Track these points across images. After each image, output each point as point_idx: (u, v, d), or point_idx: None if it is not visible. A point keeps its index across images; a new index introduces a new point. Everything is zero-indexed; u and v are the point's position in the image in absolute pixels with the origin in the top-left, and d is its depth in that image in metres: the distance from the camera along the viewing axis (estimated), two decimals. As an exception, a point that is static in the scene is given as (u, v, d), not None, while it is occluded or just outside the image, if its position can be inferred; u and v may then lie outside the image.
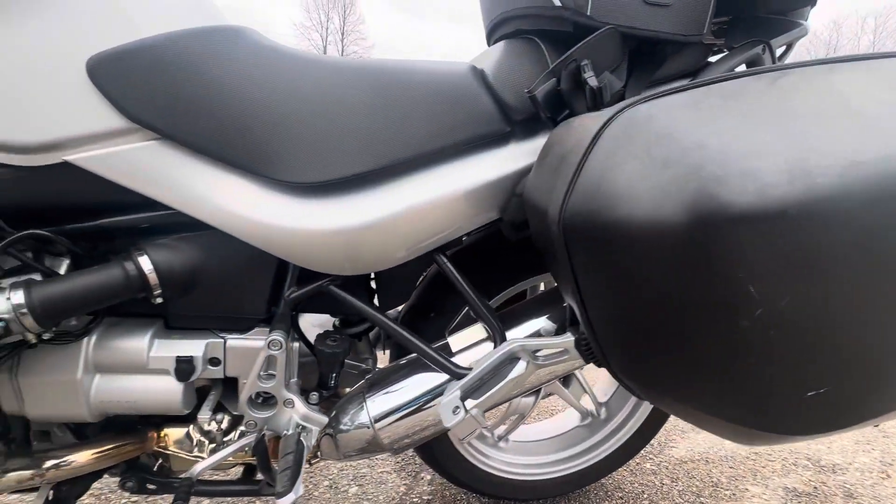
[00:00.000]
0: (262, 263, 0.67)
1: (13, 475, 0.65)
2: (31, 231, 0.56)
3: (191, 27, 0.58)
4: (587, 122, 0.51)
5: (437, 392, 0.72)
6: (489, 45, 0.84)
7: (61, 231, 0.59)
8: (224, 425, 0.74)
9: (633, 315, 0.45)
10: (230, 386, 0.74)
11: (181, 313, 0.69)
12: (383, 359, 0.90)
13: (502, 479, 1.02)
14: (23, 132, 0.52)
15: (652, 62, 0.68)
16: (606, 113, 0.48)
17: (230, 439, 0.75)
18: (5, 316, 0.53)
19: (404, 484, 1.14)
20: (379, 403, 0.73)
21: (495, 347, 0.70)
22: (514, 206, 0.66)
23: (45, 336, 0.58)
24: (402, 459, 1.24)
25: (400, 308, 0.92)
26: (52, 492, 0.71)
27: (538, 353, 0.65)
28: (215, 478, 1.06)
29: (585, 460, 1.07)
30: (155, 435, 0.75)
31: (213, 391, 0.74)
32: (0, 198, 0.55)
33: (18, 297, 0.54)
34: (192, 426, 0.75)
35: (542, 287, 0.99)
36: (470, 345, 0.74)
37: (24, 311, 0.54)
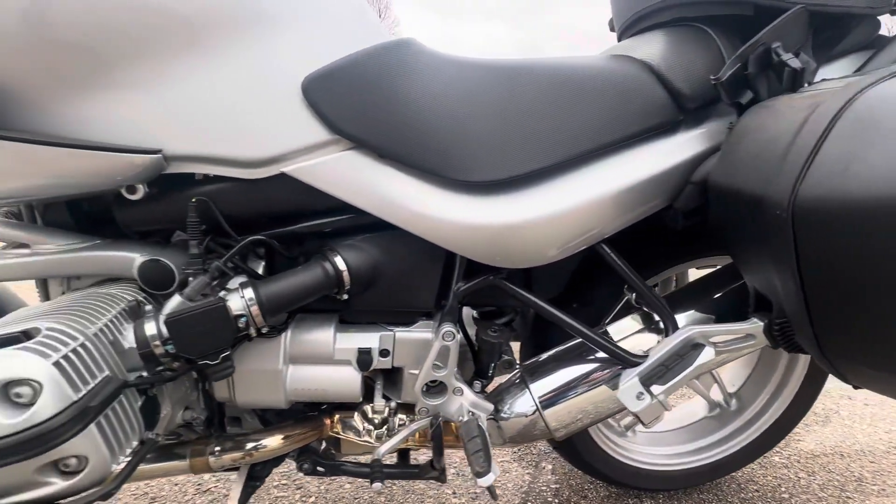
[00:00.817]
0: (433, 260, 0.71)
1: (227, 456, 0.72)
2: (257, 237, 0.62)
3: (376, 43, 0.62)
4: (797, 104, 0.50)
5: (603, 379, 0.73)
6: (624, 36, 0.84)
7: (272, 236, 0.65)
8: (392, 412, 0.79)
9: (872, 296, 0.44)
10: (389, 376, 0.79)
11: (357, 309, 0.74)
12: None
13: (636, 469, 1.02)
14: (248, 149, 0.57)
15: (831, 39, 0.66)
16: (829, 94, 0.47)
17: (394, 425, 0.80)
18: (243, 312, 0.59)
19: (528, 473, 1.17)
20: (544, 390, 0.75)
21: (667, 335, 0.70)
22: (688, 194, 0.66)
23: (263, 330, 0.64)
24: (520, 450, 1.26)
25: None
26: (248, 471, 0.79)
27: (716, 340, 0.65)
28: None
29: (718, 452, 1.05)
30: (329, 421, 0.81)
31: (378, 381, 0.79)
32: (229, 208, 0.61)
33: (250, 295, 0.60)
34: (359, 413, 0.81)
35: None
36: (630, 334, 0.75)
37: (255, 307, 0.60)
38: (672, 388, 0.65)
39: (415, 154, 0.62)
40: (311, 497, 1.07)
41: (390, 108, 0.60)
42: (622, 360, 0.70)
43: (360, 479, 1.11)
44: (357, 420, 0.81)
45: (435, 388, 0.76)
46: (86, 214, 0.66)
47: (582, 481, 1.13)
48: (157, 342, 0.56)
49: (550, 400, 0.74)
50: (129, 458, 0.51)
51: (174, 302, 0.58)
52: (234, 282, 0.62)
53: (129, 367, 0.55)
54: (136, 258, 0.60)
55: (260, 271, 0.69)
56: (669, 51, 0.68)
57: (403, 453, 0.89)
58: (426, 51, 0.66)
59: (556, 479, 1.14)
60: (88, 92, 0.51)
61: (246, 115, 0.57)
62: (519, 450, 1.26)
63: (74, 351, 0.46)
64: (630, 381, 0.65)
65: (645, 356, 0.68)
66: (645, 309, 0.75)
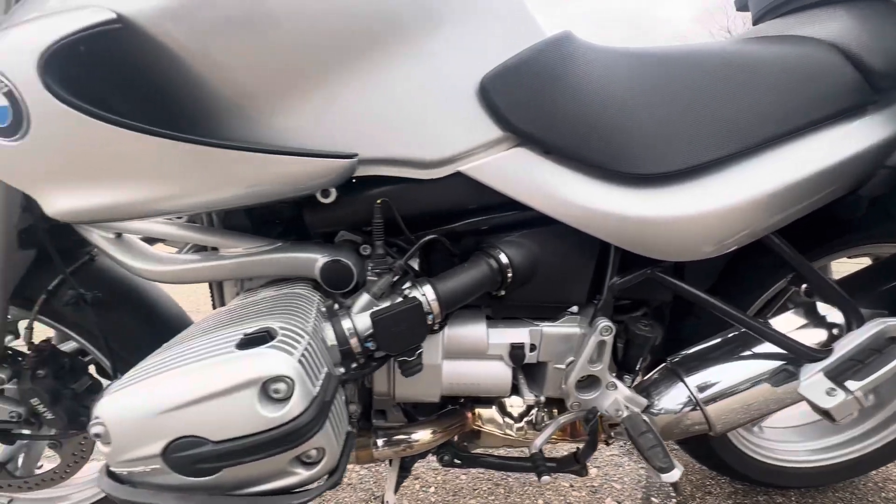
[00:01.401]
0: (588, 255, 0.70)
1: (388, 449, 0.75)
2: (432, 235, 0.63)
3: (540, 40, 0.61)
4: None
5: (770, 372, 0.70)
6: (768, 17, 0.79)
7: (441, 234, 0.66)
8: (538, 406, 0.79)
9: None
10: (530, 370, 0.79)
11: (508, 304, 0.74)
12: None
13: (768, 465, 0.99)
14: (429, 150, 0.58)
15: None
16: None
17: (540, 419, 0.80)
18: (428, 310, 0.60)
19: (641, 467, 1.15)
20: (702, 384, 0.73)
21: (850, 329, 0.67)
22: (881, 179, 0.63)
23: (435, 327, 0.65)
24: (627, 443, 1.24)
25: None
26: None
27: (910, 334, 0.61)
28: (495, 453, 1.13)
29: (856, 449, 1.00)
30: (471, 415, 0.82)
31: (521, 375, 0.79)
32: (406, 208, 0.62)
33: (431, 293, 0.61)
34: (497, 407, 0.81)
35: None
36: (796, 328, 0.72)
37: (436, 304, 0.61)
38: (871, 384, 0.62)
39: (582, 148, 0.61)
40: (430, 487, 1.10)
41: (561, 102, 0.60)
42: (801, 353, 0.67)
43: (474, 470, 1.13)
44: (496, 414, 0.82)
45: (586, 382, 0.75)
46: (261, 218, 0.69)
47: (702, 476, 1.10)
48: (355, 339, 0.57)
49: (711, 394, 0.72)
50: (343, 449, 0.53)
51: (363, 301, 0.60)
52: (417, 280, 0.63)
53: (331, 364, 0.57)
54: (318, 259, 0.62)
55: (416, 268, 0.70)
56: (856, 28, 0.63)
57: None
58: (586, 44, 0.64)
59: (674, 474, 1.12)
60: (296, 99, 0.53)
61: (428, 116, 0.57)
62: (626, 443, 1.24)
63: (306, 348, 0.48)
64: (814, 376, 0.62)
65: (827, 350, 0.64)
66: (815, 301, 0.72)
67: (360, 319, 0.58)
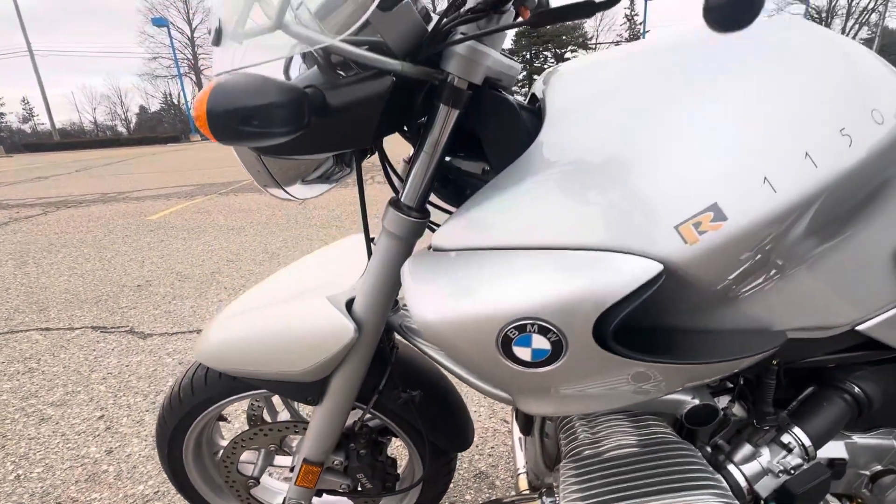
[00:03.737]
0: None
1: None
2: (813, 388, 0.65)
3: None
4: None
5: None
6: None
7: None
8: None
9: None
10: None
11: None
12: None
13: None
14: (833, 318, 0.55)
15: None
16: None
17: None
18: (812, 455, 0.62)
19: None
20: None
21: None
22: None
23: None
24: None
25: None
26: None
27: None
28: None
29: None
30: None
31: None
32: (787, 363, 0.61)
33: (806, 439, 0.62)
34: None
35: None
36: None
37: (812, 449, 0.62)
38: None
39: None
40: None
41: None
42: None
43: None
44: None
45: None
46: None
47: None
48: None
49: None
50: None
51: (745, 451, 0.63)
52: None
53: None
54: (687, 401, 0.62)
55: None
56: None
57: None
58: None
59: None
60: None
61: (846, 287, 0.53)
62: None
63: None
64: None
65: None
66: None
67: (749, 470, 0.61)
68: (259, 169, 0.59)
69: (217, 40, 0.43)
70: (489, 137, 0.55)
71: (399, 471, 0.95)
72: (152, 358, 2.00)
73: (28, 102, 49.84)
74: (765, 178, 0.42)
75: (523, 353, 0.43)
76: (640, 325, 0.51)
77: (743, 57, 0.50)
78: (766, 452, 0.62)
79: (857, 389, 0.63)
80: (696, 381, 0.52)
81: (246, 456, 0.90)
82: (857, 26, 45.11)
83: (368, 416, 0.82)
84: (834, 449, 0.69)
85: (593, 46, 62.56)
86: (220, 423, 0.99)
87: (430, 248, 0.52)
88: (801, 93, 0.47)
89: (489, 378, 0.55)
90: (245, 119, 0.36)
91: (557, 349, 0.43)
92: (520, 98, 0.60)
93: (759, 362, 0.53)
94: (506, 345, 0.43)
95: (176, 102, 46.39)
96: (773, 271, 0.48)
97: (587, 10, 0.39)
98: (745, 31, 0.53)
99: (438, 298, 0.45)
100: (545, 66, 63.86)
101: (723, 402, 0.65)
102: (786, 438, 0.62)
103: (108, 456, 1.43)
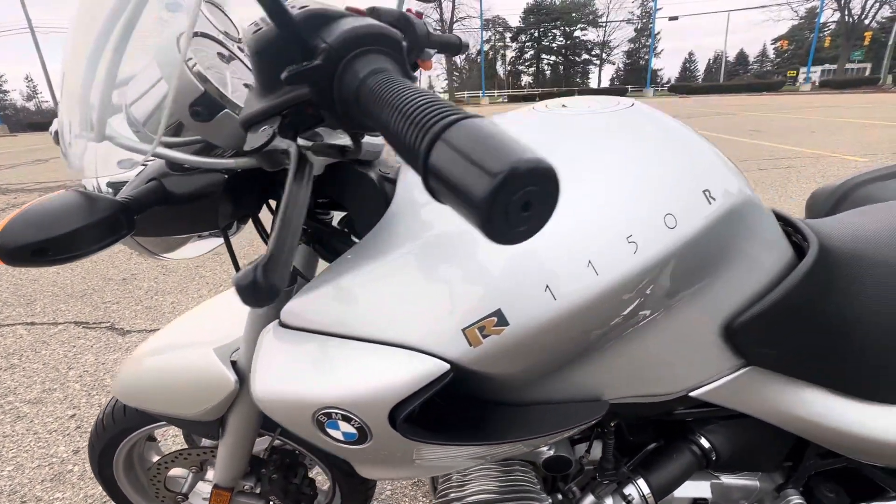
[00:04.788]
0: (787, 443, 0.69)
1: None
2: (656, 444, 0.69)
3: (790, 265, 0.56)
4: None
5: None
6: None
7: None
8: None
9: None
10: None
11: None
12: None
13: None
14: (663, 386, 0.57)
15: None
16: None
17: None
18: None
19: None
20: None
21: None
22: None
23: None
24: None
25: None
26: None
27: None
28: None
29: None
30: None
31: None
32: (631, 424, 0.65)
33: (647, 491, 0.66)
34: None
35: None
36: None
37: (652, 498, 0.67)
38: None
39: (823, 371, 0.58)
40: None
41: (810, 336, 0.56)
42: None
43: None
44: None
45: None
46: None
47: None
48: None
49: None
50: None
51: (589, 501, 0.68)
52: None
53: None
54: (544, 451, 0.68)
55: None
56: None
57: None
58: (842, 258, 0.59)
59: None
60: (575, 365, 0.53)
61: (670, 359, 0.55)
62: None
63: None
64: None
65: None
66: None
67: None
68: (134, 246, 0.62)
69: (57, 142, 0.46)
70: (350, 207, 0.58)
71: (325, 489, 1.02)
72: (128, 356, 2.09)
73: (31, 80, 49.69)
74: (546, 286, 0.44)
75: (336, 434, 0.48)
76: (483, 396, 0.55)
77: (571, 150, 0.52)
78: (608, 502, 0.67)
79: (703, 441, 0.66)
80: (524, 450, 0.56)
81: (176, 472, 0.97)
82: (877, 4, 43.33)
83: (279, 441, 0.88)
84: (698, 489, 0.72)
85: (603, 24, 60.86)
86: (152, 443, 1.06)
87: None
88: (616, 186, 0.48)
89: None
90: (39, 251, 0.38)
91: (362, 434, 0.47)
92: (391, 166, 0.62)
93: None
94: (320, 425, 0.48)
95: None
96: (575, 353, 0.50)
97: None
98: (583, 121, 0.56)
99: (268, 374, 0.49)
100: (553, 45, 62.35)
101: (581, 450, 0.70)
102: (627, 490, 0.66)
103: (74, 455, 1.52)
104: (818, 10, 40.30)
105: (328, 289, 0.51)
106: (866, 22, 43.55)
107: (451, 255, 0.47)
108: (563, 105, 0.60)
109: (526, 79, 66.33)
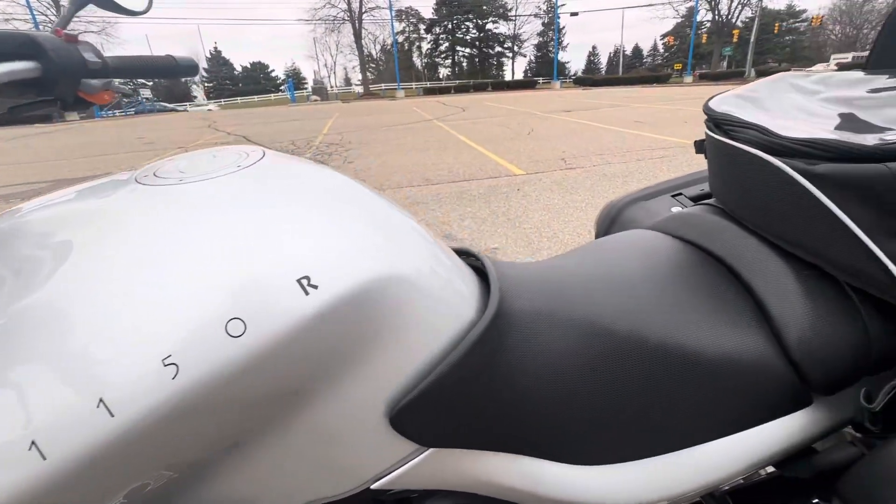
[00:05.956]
0: None
1: None
2: None
3: (452, 353, 0.50)
4: None
5: None
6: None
7: None
8: None
9: None
10: None
11: None
12: None
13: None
14: (339, 485, 0.52)
15: None
16: None
17: None
18: None
19: None
20: None
21: None
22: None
23: None
24: None
25: None
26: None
27: None
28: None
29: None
30: None
31: None
32: None
33: None
34: None
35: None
36: None
37: None
38: None
39: (503, 443, 0.55)
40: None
41: (478, 413, 0.53)
42: None
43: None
44: None
45: None
46: None
47: None
48: None
49: None
50: None
51: None
52: None
53: None
54: None
55: None
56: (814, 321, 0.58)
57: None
58: (523, 321, 0.56)
59: None
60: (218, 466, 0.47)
61: (337, 454, 0.50)
62: None
63: None
64: None
65: None
66: None
67: None
68: None
69: None
70: None
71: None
72: None
73: None
74: (32, 444, 0.36)
75: None
76: None
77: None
78: None
79: None
80: None
81: None
82: (740, 6, 49.15)
83: None
84: None
85: (513, 18, 62.84)
86: None
87: None
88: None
89: None
90: None
91: None
92: None
93: None
94: None
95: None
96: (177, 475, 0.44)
97: None
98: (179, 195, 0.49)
99: None
100: (467, 37, 63.17)
101: None
102: None
103: None
104: (695, 10, 45.04)
105: None
106: (734, 21, 49.35)
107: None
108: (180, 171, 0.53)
109: (444, 71, 66.83)
